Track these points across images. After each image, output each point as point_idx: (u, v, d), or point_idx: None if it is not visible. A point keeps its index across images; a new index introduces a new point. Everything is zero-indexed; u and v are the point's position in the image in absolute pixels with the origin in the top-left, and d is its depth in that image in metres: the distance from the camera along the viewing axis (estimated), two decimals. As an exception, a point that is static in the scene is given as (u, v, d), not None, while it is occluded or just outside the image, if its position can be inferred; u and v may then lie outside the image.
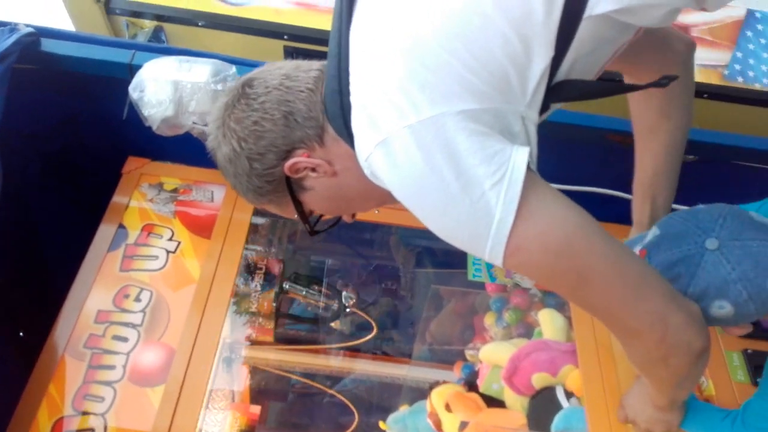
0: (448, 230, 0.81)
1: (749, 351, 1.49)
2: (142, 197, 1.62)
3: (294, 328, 1.90)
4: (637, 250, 1.01)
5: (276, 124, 0.89)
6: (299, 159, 0.90)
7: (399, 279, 2.30)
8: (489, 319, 1.85)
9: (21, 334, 1.75)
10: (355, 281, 2.07)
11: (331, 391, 2.09)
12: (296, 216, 0.97)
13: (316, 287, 1.80)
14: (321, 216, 1.03)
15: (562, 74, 0.83)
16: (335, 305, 1.81)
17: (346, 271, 2.16)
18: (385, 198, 0.89)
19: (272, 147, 0.89)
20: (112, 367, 1.33)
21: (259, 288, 1.69)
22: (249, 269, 1.70)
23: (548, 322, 1.57)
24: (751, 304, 0.92)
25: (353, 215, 1.03)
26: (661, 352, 0.87)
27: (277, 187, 0.93)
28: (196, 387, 1.32)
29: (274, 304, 1.69)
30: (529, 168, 0.77)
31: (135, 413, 1.27)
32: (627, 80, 1.12)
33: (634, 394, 1.27)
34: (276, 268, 1.74)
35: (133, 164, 1.68)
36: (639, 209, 1.23)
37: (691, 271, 0.93)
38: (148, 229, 1.57)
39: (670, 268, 0.95)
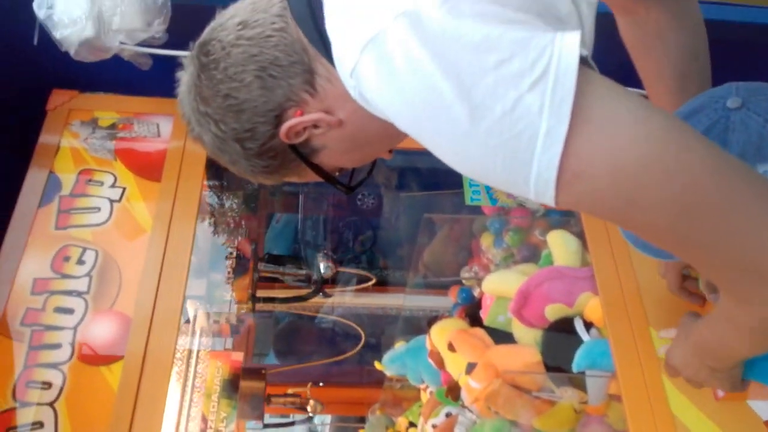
0: (472, 159, 0.57)
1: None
2: (74, 137, 1.37)
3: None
4: None
5: (251, 90, 0.69)
6: (293, 121, 0.70)
7: (381, 202, 2.11)
8: (486, 241, 1.67)
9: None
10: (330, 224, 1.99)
11: (331, 318, 1.98)
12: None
13: (292, 265, 1.69)
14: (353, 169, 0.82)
15: None
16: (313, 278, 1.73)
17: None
18: None
19: (257, 117, 0.70)
20: (57, 346, 1.13)
21: (232, 275, 1.57)
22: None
23: (560, 245, 1.37)
24: None
25: (390, 150, 0.82)
26: None
27: (285, 159, 0.74)
28: (160, 358, 1.13)
29: (250, 291, 1.57)
30: (582, 60, 0.54)
31: (90, 398, 1.08)
32: None
33: (682, 346, 0.92)
34: (248, 250, 1.61)
35: (58, 98, 1.41)
36: None
37: (722, 138, 0.82)
38: (86, 176, 1.33)
39: None
